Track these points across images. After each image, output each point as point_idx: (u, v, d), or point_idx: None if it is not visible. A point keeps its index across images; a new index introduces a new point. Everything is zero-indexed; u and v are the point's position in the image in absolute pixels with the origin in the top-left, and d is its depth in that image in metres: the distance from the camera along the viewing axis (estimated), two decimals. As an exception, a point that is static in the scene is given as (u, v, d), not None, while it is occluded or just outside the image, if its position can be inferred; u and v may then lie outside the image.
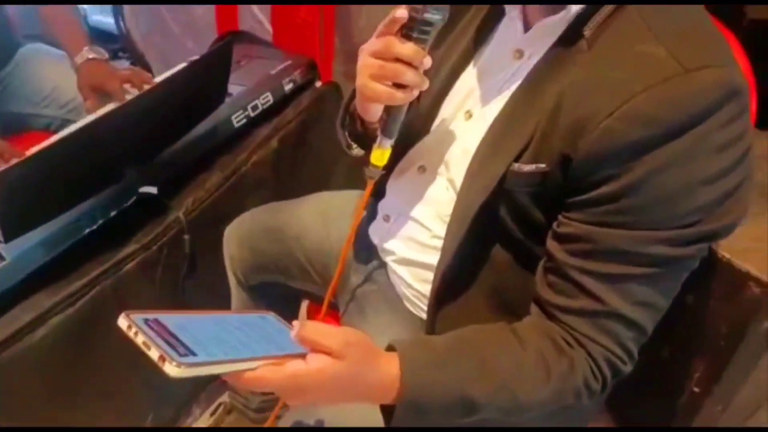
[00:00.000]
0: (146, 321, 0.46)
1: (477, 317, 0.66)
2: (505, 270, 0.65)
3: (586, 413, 0.82)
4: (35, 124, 1.42)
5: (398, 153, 0.69)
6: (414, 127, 0.71)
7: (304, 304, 1.07)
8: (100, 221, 0.98)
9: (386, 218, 0.79)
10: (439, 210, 0.69)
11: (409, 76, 0.59)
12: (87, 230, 0.96)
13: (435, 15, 0.57)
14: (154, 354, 0.43)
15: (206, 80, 1.10)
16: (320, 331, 0.51)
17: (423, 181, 0.72)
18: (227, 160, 1.14)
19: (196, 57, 1.41)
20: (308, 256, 0.92)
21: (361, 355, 0.53)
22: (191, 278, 1.08)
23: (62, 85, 1.39)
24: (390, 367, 0.55)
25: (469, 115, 0.68)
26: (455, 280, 0.68)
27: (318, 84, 1.34)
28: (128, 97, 1.18)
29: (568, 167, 0.54)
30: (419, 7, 0.57)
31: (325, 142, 1.35)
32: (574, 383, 0.58)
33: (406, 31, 0.58)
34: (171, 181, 1.07)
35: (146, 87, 1.19)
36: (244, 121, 1.21)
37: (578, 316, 0.57)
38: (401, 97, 0.60)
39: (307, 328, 0.51)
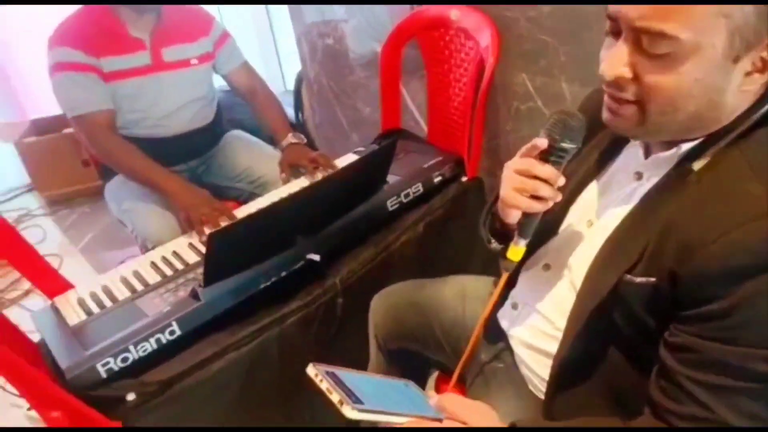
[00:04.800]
0: (327, 372, 0.60)
1: (592, 408, 0.72)
2: (619, 369, 0.71)
3: None
4: (228, 194, 1.75)
5: (529, 250, 0.80)
6: (544, 229, 0.81)
7: (434, 374, 1.17)
8: (273, 279, 1.18)
9: (514, 306, 0.89)
10: (561, 305, 0.78)
11: (545, 191, 0.71)
12: (262, 285, 1.17)
13: (570, 144, 0.70)
14: (335, 398, 0.57)
15: (372, 171, 1.31)
16: (457, 402, 0.62)
17: (547, 277, 0.82)
18: (379, 238, 1.32)
19: (361, 148, 1.67)
20: (444, 329, 1.04)
21: (488, 429, 0.62)
22: (339, 337, 1.23)
23: (253, 166, 1.71)
24: None
25: (590, 223, 0.78)
26: (571, 371, 0.75)
27: (464, 179, 1.49)
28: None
29: (675, 283, 0.61)
30: (557, 137, 0.70)
31: (464, 230, 1.48)
32: None
33: (545, 156, 0.71)
34: (332, 251, 1.26)
35: (329, 167, 1.51)
36: (397, 206, 1.39)
37: (688, 421, 0.62)
38: (538, 207, 0.73)
39: (447, 399, 0.62)
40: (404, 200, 1.40)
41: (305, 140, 1.65)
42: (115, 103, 1.55)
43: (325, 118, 2.39)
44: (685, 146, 0.66)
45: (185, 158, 1.72)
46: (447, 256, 1.43)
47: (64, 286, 1.28)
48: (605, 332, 0.70)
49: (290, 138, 1.62)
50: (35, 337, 1.18)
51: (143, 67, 1.55)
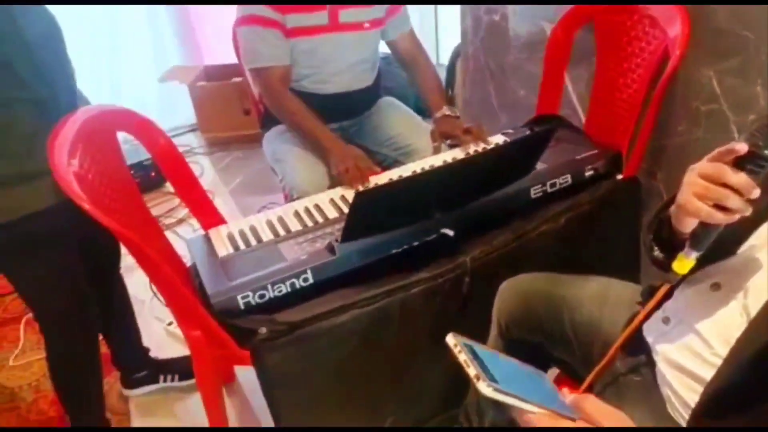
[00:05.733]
0: (465, 344, 0.59)
1: None
2: None
3: None
4: (373, 158, 1.77)
5: (696, 264, 0.72)
6: (720, 245, 0.72)
7: (552, 372, 1.11)
8: (405, 246, 1.19)
9: (665, 320, 0.81)
10: (726, 331, 0.70)
11: (734, 201, 0.63)
12: (394, 251, 1.19)
13: None
14: (471, 371, 0.56)
15: (522, 155, 1.26)
16: (597, 405, 0.58)
17: (716, 298, 0.73)
18: (518, 225, 1.27)
19: (510, 130, 1.62)
20: (575, 329, 0.98)
21: None
22: (460, 315, 1.22)
23: (403, 133, 1.73)
24: None
25: None
26: (724, 402, 0.67)
27: (619, 176, 1.39)
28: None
29: None
30: (761, 143, 0.61)
31: (610, 232, 1.38)
32: None
33: (741, 162, 0.62)
34: (467, 229, 1.23)
35: (482, 140, 1.50)
36: (541, 194, 1.33)
37: None
38: (721, 218, 0.65)
39: (587, 400, 0.58)
40: (549, 190, 1.34)
41: (458, 113, 1.64)
42: (293, 58, 1.64)
43: (475, 96, 2.34)
44: None
45: (340, 117, 1.78)
46: (585, 256, 1.34)
47: (218, 220, 1.40)
48: None
49: (445, 110, 1.63)
50: (186, 262, 1.30)
51: (321, 26, 1.62)
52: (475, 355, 0.57)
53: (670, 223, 0.73)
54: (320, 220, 1.32)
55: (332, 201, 1.39)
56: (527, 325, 1.05)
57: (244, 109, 3.02)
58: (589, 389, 0.85)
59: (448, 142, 1.61)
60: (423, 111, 1.91)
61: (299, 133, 1.63)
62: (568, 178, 1.36)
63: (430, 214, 1.22)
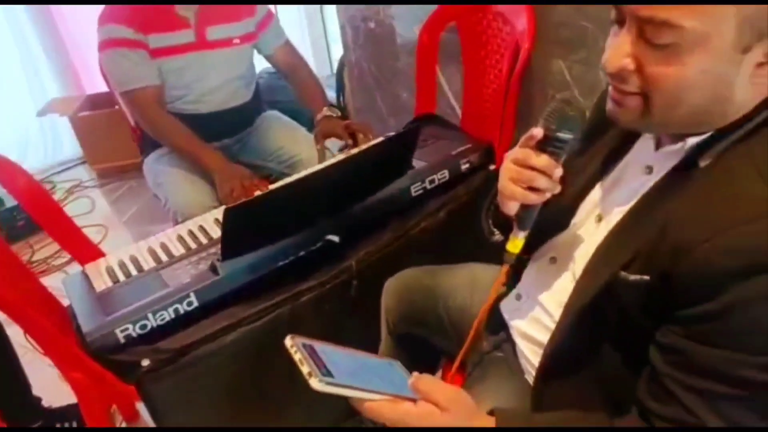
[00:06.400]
0: (304, 344, 0.61)
1: (581, 402, 0.71)
2: (611, 366, 0.69)
3: None
4: (259, 173, 1.77)
5: (537, 242, 0.78)
6: (553, 222, 0.79)
7: (442, 363, 1.15)
8: (291, 257, 1.19)
9: (518, 297, 0.87)
10: (561, 299, 0.76)
11: (541, 182, 0.69)
12: (280, 263, 1.18)
13: (566, 135, 0.67)
14: (304, 369, 0.57)
15: (395, 155, 1.30)
16: (432, 384, 0.62)
17: (553, 270, 0.80)
18: (400, 223, 1.31)
19: (392, 133, 1.66)
20: (450, 315, 1.03)
21: (462, 413, 0.62)
22: (351, 318, 1.23)
23: (286, 146, 1.74)
24: (486, 428, 0.64)
25: (599, 218, 0.75)
26: (560, 362, 0.74)
27: (492, 167, 1.46)
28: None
29: (668, 283, 0.58)
30: (553, 126, 0.67)
31: (489, 220, 1.45)
32: None
33: (542, 146, 0.69)
34: (352, 233, 1.25)
35: (362, 133, 1.54)
36: (421, 192, 1.37)
37: (669, 423, 0.60)
38: (534, 198, 0.71)
39: (423, 380, 0.62)
40: (429, 186, 1.38)
41: (339, 113, 1.66)
42: (161, 79, 1.60)
43: (364, 103, 2.38)
44: (692, 140, 0.63)
45: (220, 136, 1.75)
46: (467, 245, 1.38)
47: (97, 254, 1.33)
48: (597, 327, 0.69)
49: (325, 111, 1.64)
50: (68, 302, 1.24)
51: (187, 44, 1.60)
52: (313, 353, 0.59)
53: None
54: (205, 241, 1.29)
55: (217, 221, 1.36)
56: (409, 319, 1.09)
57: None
58: (461, 370, 0.89)
59: (337, 147, 1.63)
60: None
61: (181, 154, 1.59)
62: (446, 173, 1.41)
63: (313, 222, 1.23)
